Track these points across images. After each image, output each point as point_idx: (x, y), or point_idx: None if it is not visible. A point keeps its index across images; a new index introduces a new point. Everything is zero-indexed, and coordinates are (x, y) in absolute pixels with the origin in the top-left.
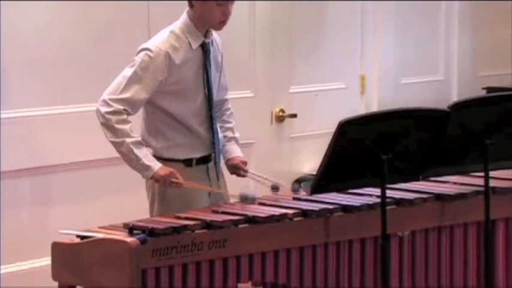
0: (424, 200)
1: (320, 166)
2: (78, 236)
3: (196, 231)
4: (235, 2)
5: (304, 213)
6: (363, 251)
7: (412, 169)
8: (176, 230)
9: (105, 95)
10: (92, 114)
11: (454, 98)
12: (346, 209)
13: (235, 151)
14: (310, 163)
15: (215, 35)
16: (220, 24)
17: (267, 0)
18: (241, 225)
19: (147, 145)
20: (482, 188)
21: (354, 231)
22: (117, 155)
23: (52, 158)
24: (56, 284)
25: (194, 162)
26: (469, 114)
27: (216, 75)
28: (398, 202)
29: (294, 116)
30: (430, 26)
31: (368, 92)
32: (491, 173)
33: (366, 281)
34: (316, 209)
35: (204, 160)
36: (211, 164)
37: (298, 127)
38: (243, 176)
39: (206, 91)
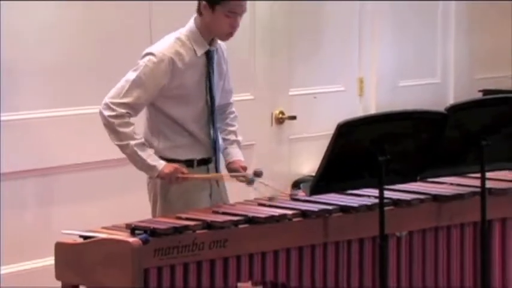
0: (422, 200)
1: (319, 167)
2: (81, 236)
3: (197, 232)
4: None
5: (304, 213)
6: (362, 251)
7: (410, 170)
8: (177, 230)
9: (108, 99)
10: (93, 117)
11: (451, 100)
12: (344, 209)
13: (236, 154)
14: (309, 164)
15: (220, 42)
16: (226, 36)
17: (267, 0)
18: (241, 226)
19: (150, 145)
20: (478, 189)
21: (352, 232)
22: (118, 156)
23: (55, 159)
24: (60, 283)
25: (195, 163)
26: (466, 117)
27: (220, 82)
28: (396, 203)
29: (294, 118)
30: (427, 30)
31: (366, 94)
32: (488, 174)
33: (364, 280)
34: (315, 209)
35: (204, 162)
36: (212, 165)
37: (298, 129)
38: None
39: (208, 97)
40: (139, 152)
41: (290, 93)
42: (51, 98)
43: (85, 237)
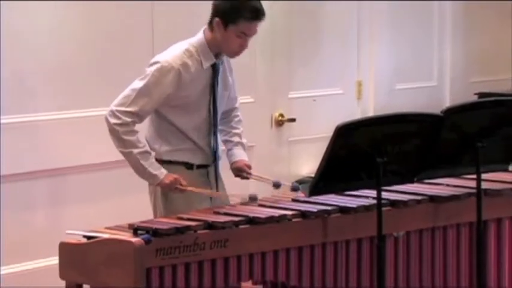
0: (419, 201)
1: (318, 169)
2: (84, 236)
3: (199, 232)
4: None
5: (303, 214)
6: (360, 251)
7: (407, 172)
8: (179, 230)
9: (114, 107)
10: (99, 119)
11: (447, 103)
12: (343, 210)
13: (240, 155)
14: (308, 166)
15: None
16: (234, 54)
17: (267, 0)
18: (242, 226)
19: (151, 148)
20: (474, 190)
21: (350, 232)
22: (122, 158)
23: (61, 161)
24: (64, 283)
25: (195, 166)
26: (462, 119)
27: (225, 93)
28: (394, 203)
29: (293, 120)
30: (424, 35)
31: (364, 97)
32: (483, 176)
33: (362, 279)
34: (315, 210)
35: (204, 165)
36: (211, 168)
37: (297, 131)
38: (247, 178)
39: (211, 107)
40: (142, 161)
41: (290, 96)
42: (58, 100)
43: (88, 237)
